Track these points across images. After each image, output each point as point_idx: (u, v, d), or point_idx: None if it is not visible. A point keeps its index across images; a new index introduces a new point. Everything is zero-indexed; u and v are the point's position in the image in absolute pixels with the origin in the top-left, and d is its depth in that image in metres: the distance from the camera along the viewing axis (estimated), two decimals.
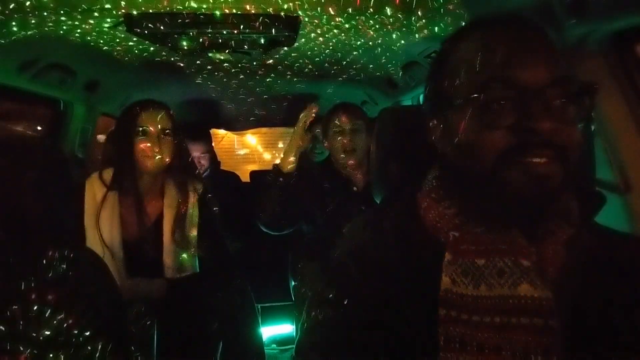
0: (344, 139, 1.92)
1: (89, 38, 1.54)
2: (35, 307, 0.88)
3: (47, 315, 0.88)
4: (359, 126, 1.93)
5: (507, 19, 0.66)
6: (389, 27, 1.51)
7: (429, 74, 0.75)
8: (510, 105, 0.61)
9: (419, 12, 1.36)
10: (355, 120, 1.93)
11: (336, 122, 1.94)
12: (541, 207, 0.62)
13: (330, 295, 0.76)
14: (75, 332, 0.89)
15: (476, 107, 0.62)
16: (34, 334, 0.86)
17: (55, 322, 0.88)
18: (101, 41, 1.59)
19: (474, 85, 0.63)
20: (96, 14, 1.33)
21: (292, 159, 1.82)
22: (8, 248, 0.94)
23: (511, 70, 0.61)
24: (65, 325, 0.88)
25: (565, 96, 0.62)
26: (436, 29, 1.48)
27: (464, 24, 0.74)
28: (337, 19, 1.44)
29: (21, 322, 0.87)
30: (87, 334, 0.90)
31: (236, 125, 3.82)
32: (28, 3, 1.20)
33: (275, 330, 3.08)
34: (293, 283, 2.47)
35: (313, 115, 1.82)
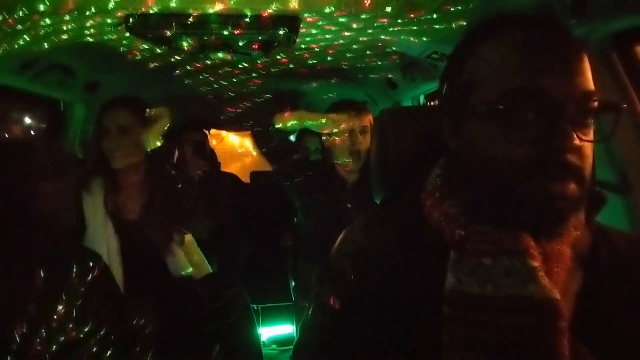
0: (349, 142, 1.85)
1: (89, 38, 1.54)
2: (37, 308, 0.88)
3: (50, 316, 0.88)
4: (365, 126, 1.87)
5: (534, 20, 0.63)
6: (389, 27, 1.51)
7: (446, 70, 0.72)
8: (535, 119, 0.58)
9: (420, 12, 1.36)
10: (361, 120, 1.87)
11: (344, 122, 1.86)
12: (552, 225, 0.62)
13: (330, 297, 0.76)
14: (79, 331, 0.89)
15: (498, 117, 0.60)
16: (39, 334, 0.86)
17: (59, 322, 0.88)
18: (101, 41, 1.59)
19: (497, 92, 0.60)
20: (96, 14, 1.33)
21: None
22: (10, 248, 0.94)
23: (539, 81, 0.58)
24: (68, 324, 0.89)
25: (590, 112, 0.59)
26: (437, 29, 1.48)
27: (475, 22, 0.71)
28: (337, 19, 1.44)
29: (24, 323, 0.87)
30: (90, 333, 0.90)
31: (236, 125, 3.82)
32: (28, 3, 1.21)
33: (275, 330, 3.08)
34: (293, 283, 2.47)
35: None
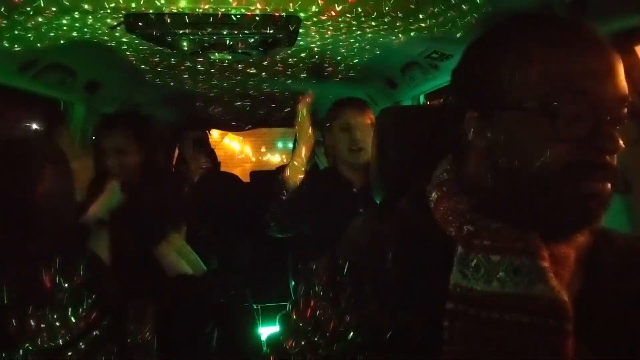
0: (351, 137, 1.83)
1: (89, 38, 1.54)
2: (35, 307, 0.88)
3: (47, 315, 0.88)
4: (366, 122, 1.85)
5: (575, 22, 0.64)
6: (389, 27, 1.51)
7: (468, 65, 0.71)
8: (585, 120, 0.58)
9: (419, 13, 1.36)
10: (362, 116, 1.85)
11: (342, 118, 1.85)
12: (584, 225, 0.62)
13: (329, 293, 0.76)
14: (76, 331, 0.89)
15: (545, 115, 0.59)
16: (37, 335, 0.86)
17: (56, 321, 0.88)
18: (101, 41, 1.59)
19: (545, 91, 0.60)
20: (96, 14, 1.33)
21: (300, 172, 1.69)
22: (11, 248, 0.94)
23: (591, 82, 0.59)
24: (65, 324, 0.89)
25: (625, 116, 0.61)
26: (436, 29, 1.48)
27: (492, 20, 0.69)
28: (337, 19, 1.44)
29: (21, 322, 0.87)
30: (87, 332, 0.90)
31: (236, 125, 3.82)
32: (28, 3, 1.20)
33: (275, 330, 3.08)
34: (293, 283, 2.46)
35: (308, 102, 1.72)
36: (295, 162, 1.73)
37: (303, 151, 1.71)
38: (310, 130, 1.72)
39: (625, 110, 0.61)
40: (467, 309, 0.61)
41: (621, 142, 0.59)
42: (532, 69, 0.62)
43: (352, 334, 0.70)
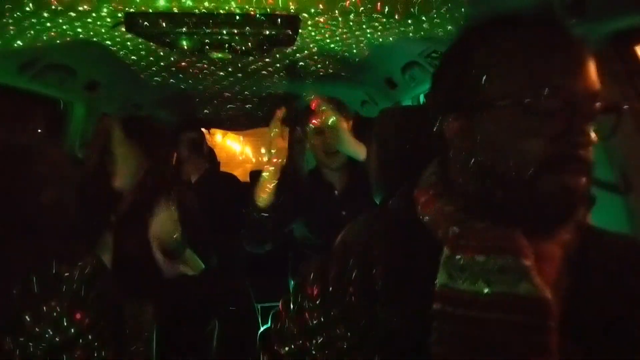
0: (326, 140, 1.78)
1: (89, 38, 1.54)
2: (38, 308, 0.88)
3: (47, 315, 0.88)
4: (339, 123, 1.72)
5: (546, 21, 0.65)
6: (389, 27, 1.51)
7: (446, 68, 0.72)
8: (558, 115, 0.60)
9: (419, 12, 1.36)
10: (334, 118, 1.72)
11: (314, 121, 1.79)
12: (563, 218, 0.63)
13: (319, 295, 0.76)
14: (76, 330, 0.89)
15: (520, 112, 0.61)
16: (35, 334, 0.86)
17: (56, 321, 0.88)
18: (101, 41, 1.59)
19: (519, 89, 0.61)
20: (96, 14, 1.34)
21: (265, 195, 1.61)
22: (11, 248, 0.94)
23: (563, 79, 0.60)
24: (65, 324, 0.89)
25: (597, 111, 0.62)
26: (436, 29, 1.48)
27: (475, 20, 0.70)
28: (337, 19, 1.44)
29: (25, 323, 0.87)
30: (87, 332, 0.90)
31: (236, 125, 3.82)
32: (27, 3, 1.21)
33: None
34: (293, 283, 2.46)
35: (279, 125, 1.64)
36: (263, 182, 1.66)
37: (267, 184, 1.64)
38: (281, 151, 1.66)
39: (598, 105, 0.61)
40: (454, 309, 0.62)
41: (593, 136, 0.60)
42: (506, 67, 0.63)
43: (341, 335, 0.71)
